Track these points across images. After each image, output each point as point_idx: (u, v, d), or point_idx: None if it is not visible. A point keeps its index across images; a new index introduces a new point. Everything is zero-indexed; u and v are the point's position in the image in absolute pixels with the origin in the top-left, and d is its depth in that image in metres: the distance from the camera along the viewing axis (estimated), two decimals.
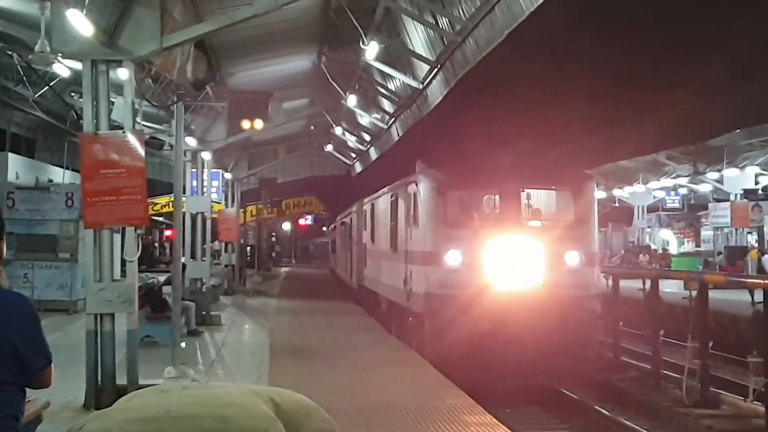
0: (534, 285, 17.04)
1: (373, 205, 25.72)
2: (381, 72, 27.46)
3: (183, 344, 17.60)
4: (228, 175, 37.18)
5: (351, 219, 33.41)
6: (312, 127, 41.68)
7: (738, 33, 16.18)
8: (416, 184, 18.33)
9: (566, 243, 17.41)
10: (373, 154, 39.84)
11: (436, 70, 22.10)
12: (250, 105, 18.43)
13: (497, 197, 18.48)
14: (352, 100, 30.04)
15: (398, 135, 30.80)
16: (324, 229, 79.77)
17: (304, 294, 37.67)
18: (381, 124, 33.00)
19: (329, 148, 46.86)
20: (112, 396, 11.18)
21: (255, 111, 18.77)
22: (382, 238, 23.31)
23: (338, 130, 39.01)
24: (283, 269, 68.23)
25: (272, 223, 70.72)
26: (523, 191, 18.10)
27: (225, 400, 3.20)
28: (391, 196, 21.49)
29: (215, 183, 32.53)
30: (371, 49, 21.56)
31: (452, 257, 17.16)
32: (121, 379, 12.02)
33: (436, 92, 22.77)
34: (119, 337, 12.30)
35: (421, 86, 24.04)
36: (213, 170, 29.76)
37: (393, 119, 30.69)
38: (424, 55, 22.81)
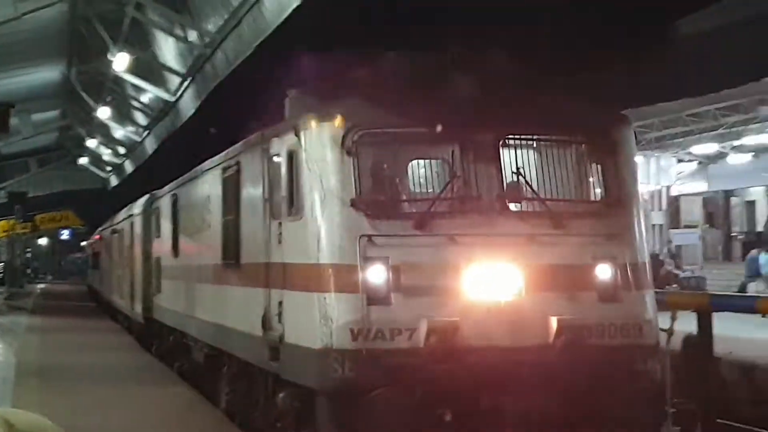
0: (536, 331, 8.81)
1: (175, 196, 17.48)
2: (134, 85, 27.13)
3: None
4: None
5: (131, 224, 25.16)
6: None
7: None
8: (296, 135, 9.40)
9: (592, 246, 9.25)
10: (129, 167, 39.32)
11: (187, 82, 22.09)
12: None
13: (455, 155, 9.31)
14: (104, 113, 29.51)
15: (153, 148, 30.53)
16: (82, 243, 77.27)
17: (58, 312, 36.68)
18: (135, 137, 32.59)
19: (84, 161, 45.76)
20: None
21: None
22: (199, 246, 15.05)
23: (92, 143, 38.19)
24: (39, 286, 65.90)
25: (27, 239, 68.20)
26: (505, 145, 9.42)
27: None
28: (225, 172, 12.53)
29: None
30: (120, 61, 21.25)
31: (375, 274, 8.74)
32: None
33: (189, 105, 22.74)
34: None
35: (173, 99, 23.92)
36: None
37: (147, 132, 30.39)
38: (175, 67, 22.74)
